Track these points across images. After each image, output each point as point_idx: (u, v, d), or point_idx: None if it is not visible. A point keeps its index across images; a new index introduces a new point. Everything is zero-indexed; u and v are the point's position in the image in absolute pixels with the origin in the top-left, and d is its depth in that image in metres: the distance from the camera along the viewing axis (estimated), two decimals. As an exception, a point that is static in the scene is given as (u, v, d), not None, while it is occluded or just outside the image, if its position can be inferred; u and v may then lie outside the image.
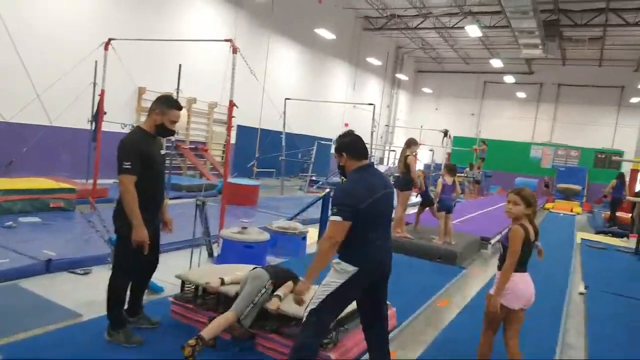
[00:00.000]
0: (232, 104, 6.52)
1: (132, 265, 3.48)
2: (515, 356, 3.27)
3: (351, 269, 2.83)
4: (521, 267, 3.19)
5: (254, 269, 3.94)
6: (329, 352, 3.31)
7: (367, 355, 3.53)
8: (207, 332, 3.36)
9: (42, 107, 9.48)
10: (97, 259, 5.13)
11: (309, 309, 2.89)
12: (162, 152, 3.63)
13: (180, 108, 3.50)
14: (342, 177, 3.13)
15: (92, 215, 6.87)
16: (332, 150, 3.36)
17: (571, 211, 18.52)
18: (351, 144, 3.00)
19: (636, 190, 12.71)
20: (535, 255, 3.36)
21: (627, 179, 17.25)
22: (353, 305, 3.70)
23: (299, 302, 3.00)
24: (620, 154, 22.70)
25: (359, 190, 2.86)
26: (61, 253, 5.12)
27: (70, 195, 7.43)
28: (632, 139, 22.52)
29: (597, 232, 12.83)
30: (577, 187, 21.82)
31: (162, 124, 3.43)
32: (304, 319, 2.90)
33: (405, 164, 7.67)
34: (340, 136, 3.07)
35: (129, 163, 3.23)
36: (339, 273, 2.86)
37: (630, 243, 10.32)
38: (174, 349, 3.39)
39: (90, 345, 3.35)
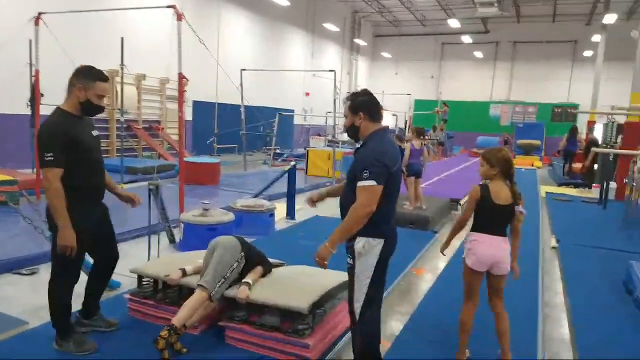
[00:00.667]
0: (181, 77, 6.01)
1: (73, 266, 3.00)
2: (501, 324, 3.11)
3: (376, 242, 2.63)
4: (484, 228, 3.03)
5: (223, 236, 3.59)
6: (307, 339, 3.05)
7: (345, 338, 3.33)
8: (179, 318, 3.04)
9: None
10: (44, 257, 4.64)
11: (357, 307, 2.67)
12: (94, 133, 3.06)
13: (106, 79, 2.98)
14: (356, 140, 2.83)
15: (37, 207, 6.31)
16: (343, 110, 2.99)
17: (532, 165, 18.91)
18: (370, 103, 2.75)
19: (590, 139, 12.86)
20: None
21: (584, 130, 17.70)
22: (330, 283, 3.46)
23: (323, 266, 2.69)
24: (576, 107, 23.24)
25: (390, 152, 2.65)
26: (3, 252, 4.63)
27: (12, 188, 6.80)
28: (587, 92, 22.94)
29: (560, 185, 13.08)
30: (537, 142, 22.28)
31: (87, 100, 2.88)
32: (357, 318, 2.68)
33: None
34: (355, 94, 2.81)
35: (51, 154, 2.73)
36: (368, 255, 2.63)
37: (594, 194, 10.50)
38: (133, 351, 3.07)
39: (38, 356, 2.96)
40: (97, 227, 3.13)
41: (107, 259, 3.30)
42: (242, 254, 3.40)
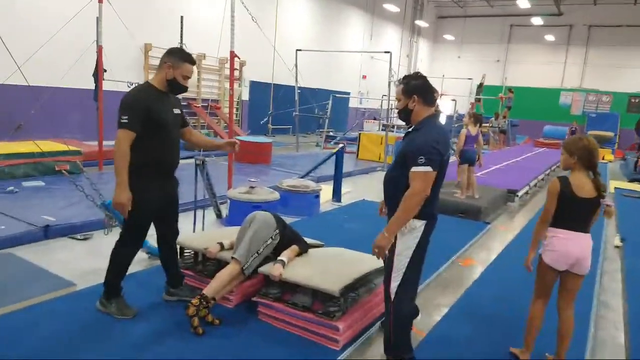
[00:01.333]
0: (232, 56, 6.06)
1: (137, 233, 3.19)
2: (565, 326, 2.88)
3: (420, 223, 2.67)
4: (566, 223, 2.79)
5: (259, 211, 3.60)
6: (338, 322, 3.00)
7: (375, 327, 3.25)
8: (210, 289, 3.12)
9: (43, 67, 9.16)
10: (98, 224, 4.87)
11: (393, 286, 2.70)
12: (176, 111, 3.19)
13: (193, 62, 3.16)
14: (407, 123, 2.84)
15: (94, 177, 6.64)
16: (395, 93, 2.96)
17: (603, 159, 17.69)
18: (425, 87, 2.74)
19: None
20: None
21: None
22: (366, 268, 3.39)
23: (381, 256, 2.69)
24: (656, 97, 21.43)
25: (443, 139, 2.67)
26: (61, 218, 4.91)
27: (76, 158, 7.20)
28: (669, 81, 21.15)
29: (631, 180, 12.16)
30: (609, 134, 20.83)
31: (173, 79, 3.06)
32: (392, 298, 2.71)
33: None
34: (409, 77, 2.79)
35: (126, 117, 2.90)
36: (409, 235, 2.67)
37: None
38: (172, 320, 3.15)
39: (80, 318, 3.11)
40: (165, 202, 3.25)
41: (166, 234, 3.43)
42: (277, 231, 3.40)
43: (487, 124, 17.46)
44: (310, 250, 3.62)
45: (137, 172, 2.97)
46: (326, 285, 3.05)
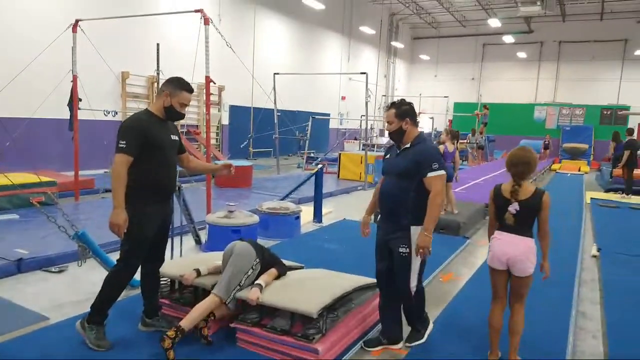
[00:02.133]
0: (208, 80, 6.09)
1: (137, 258, 3.18)
2: (512, 324, 3.02)
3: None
4: (501, 226, 3.04)
5: (238, 241, 3.57)
6: (317, 344, 2.97)
7: (356, 347, 3.24)
8: (187, 321, 3.07)
9: (18, 98, 9.08)
10: (73, 255, 4.76)
11: (413, 286, 3.17)
12: (174, 137, 3.25)
13: (191, 90, 3.24)
14: (399, 143, 3.24)
15: (70, 208, 6.54)
16: (387, 111, 3.30)
17: (579, 170, 18.08)
18: (413, 111, 3.24)
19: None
20: (557, 221, 3.10)
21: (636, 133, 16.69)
22: (345, 288, 3.39)
23: (427, 254, 3.09)
24: (626, 109, 22.06)
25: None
26: (35, 251, 4.80)
27: (51, 189, 7.07)
28: (638, 93, 21.87)
29: (607, 190, 12.41)
30: (584, 146, 21.32)
31: (170, 107, 3.16)
32: (413, 295, 3.20)
33: None
34: (399, 104, 3.23)
35: (124, 142, 2.96)
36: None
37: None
38: (148, 351, 3.08)
39: (52, 352, 3.02)
40: (161, 226, 3.27)
41: (154, 261, 3.38)
42: (257, 260, 3.38)
43: (465, 141, 17.75)
44: (289, 273, 3.60)
45: (136, 195, 3.03)
46: (304, 307, 3.03)
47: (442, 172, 3.03)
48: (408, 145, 3.16)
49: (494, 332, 3.09)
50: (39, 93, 9.53)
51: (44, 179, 7.14)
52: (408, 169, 3.08)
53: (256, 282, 3.27)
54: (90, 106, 8.99)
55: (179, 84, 3.17)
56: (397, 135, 3.19)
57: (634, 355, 3.35)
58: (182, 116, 3.24)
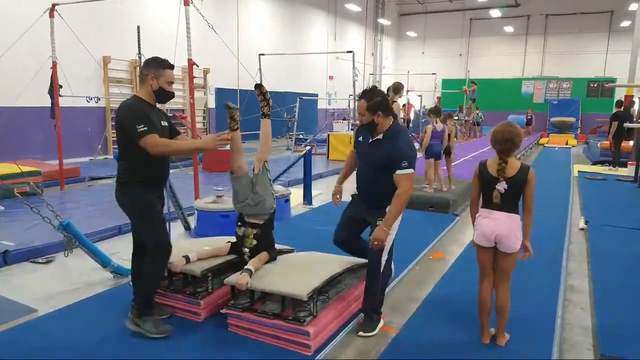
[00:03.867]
0: (190, 63, 5.98)
1: (165, 237, 3.15)
2: (499, 302, 3.03)
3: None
4: (486, 203, 3.01)
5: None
6: (308, 327, 2.97)
7: (347, 328, 3.26)
8: (254, 264, 3.24)
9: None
10: (60, 245, 4.69)
11: (384, 258, 3.22)
12: (164, 123, 3.14)
13: (172, 67, 3.13)
14: (372, 135, 3.23)
15: (56, 197, 6.45)
16: (358, 101, 3.23)
17: (566, 144, 18.21)
18: (385, 102, 3.16)
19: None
20: (545, 195, 3.09)
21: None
22: (335, 269, 3.38)
23: (376, 247, 3.15)
24: (613, 81, 22.12)
25: (412, 142, 3.28)
26: (21, 242, 4.74)
27: (36, 179, 6.96)
28: (624, 65, 21.85)
29: (594, 163, 12.53)
30: (571, 119, 21.44)
31: (159, 88, 3.05)
32: (382, 270, 3.22)
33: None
34: (369, 94, 3.15)
35: (143, 125, 2.88)
36: (395, 224, 3.19)
37: (630, 172, 9.99)
38: (142, 340, 3.06)
39: (41, 345, 2.99)
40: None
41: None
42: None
43: (455, 117, 17.70)
44: (279, 257, 3.58)
45: (135, 184, 3.03)
46: (294, 290, 3.02)
47: (411, 170, 3.07)
48: (380, 137, 3.18)
49: (484, 310, 3.08)
50: (19, 81, 9.32)
51: (27, 169, 7.01)
52: (383, 163, 3.12)
53: (245, 267, 3.25)
54: (71, 93, 8.81)
55: (159, 64, 3.06)
56: (370, 127, 3.19)
57: (621, 326, 3.40)
58: (172, 95, 3.15)
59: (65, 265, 4.41)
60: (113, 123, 12.06)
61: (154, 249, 3.08)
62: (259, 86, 3.43)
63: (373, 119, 3.13)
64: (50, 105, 7.76)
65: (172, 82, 3.14)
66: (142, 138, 2.87)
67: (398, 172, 3.06)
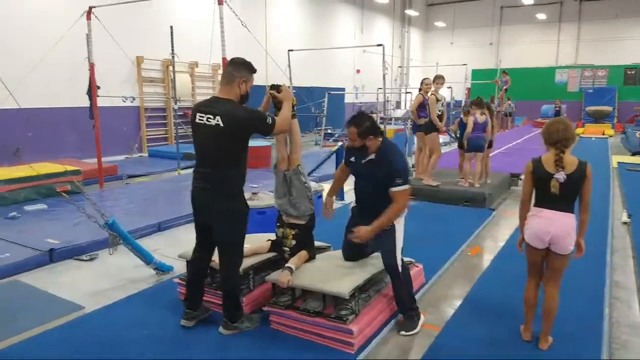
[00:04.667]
0: (225, 62, 5.99)
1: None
2: (547, 303, 2.94)
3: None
4: (542, 202, 2.90)
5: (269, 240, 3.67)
6: (351, 325, 2.97)
7: (388, 326, 3.25)
8: (295, 262, 3.29)
9: (36, 89, 9.15)
10: (103, 243, 4.84)
11: (399, 258, 3.22)
12: None
13: (256, 71, 3.13)
14: (365, 156, 3.28)
15: (95, 196, 6.62)
16: (348, 128, 3.24)
17: (603, 134, 17.63)
18: (374, 125, 3.22)
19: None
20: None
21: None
22: (375, 268, 3.37)
23: (355, 238, 3.19)
24: (652, 67, 21.25)
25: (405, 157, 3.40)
26: (65, 240, 4.88)
27: (77, 177, 7.16)
28: (664, 50, 21.03)
29: (634, 154, 12.09)
30: (608, 109, 20.72)
31: (246, 93, 3.02)
32: (400, 268, 3.22)
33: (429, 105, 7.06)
34: (358, 121, 3.18)
35: (266, 116, 2.99)
36: (401, 220, 3.28)
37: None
38: (188, 336, 3.13)
39: (91, 341, 3.09)
40: None
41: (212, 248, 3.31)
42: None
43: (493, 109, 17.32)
44: (318, 255, 3.59)
45: (241, 187, 3.06)
46: (335, 288, 3.02)
47: (406, 187, 3.14)
48: (373, 157, 3.25)
49: (529, 308, 3.04)
50: (56, 83, 9.61)
51: (69, 168, 7.22)
52: (380, 180, 3.18)
53: (286, 265, 3.27)
54: (107, 93, 9.02)
55: (250, 69, 3.02)
56: (360, 150, 3.26)
57: (674, 325, 3.28)
58: (248, 100, 3.10)
59: (108, 262, 4.52)
60: (147, 122, 12.35)
61: (240, 254, 3.15)
62: (276, 87, 3.34)
63: (364, 143, 3.19)
64: (89, 105, 7.95)
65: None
66: (275, 126, 2.95)
67: (393, 189, 3.12)
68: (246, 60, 3.05)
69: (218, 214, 3.00)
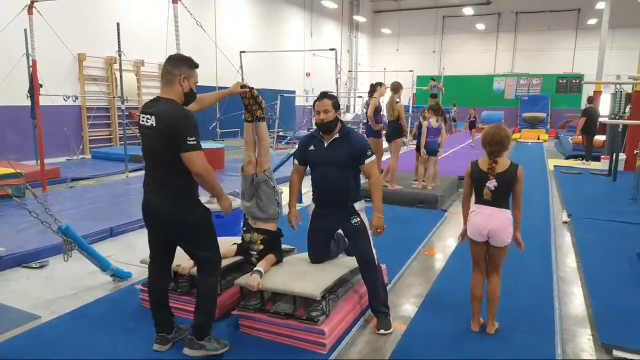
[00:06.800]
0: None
1: (220, 259, 3.01)
2: (490, 291, 3.23)
3: (363, 201, 3.43)
4: (479, 199, 3.19)
5: (234, 244, 3.62)
6: (322, 326, 3.00)
7: (355, 327, 3.33)
8: (263, 266, 3.27)
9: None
10: (53, 249, 4.62)
11: (375, 252, 3.33)
12: None
13: (198, 66, 2.90)
14: (328, 132, 3.31)
15: (43, 200, 6.25)
16: (320, 101, 3.31)
17: (538, 139, 18.72)
18: (338, 102, 3.37)
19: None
20: (525, 190, 3.26)
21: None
22: (342, 269, 3.43)
23: (379, 234, 3.33)
24: (580, 77, 22.87)
25: None
26: (12, 246, 4.60)
27: (18, 181, 6.75)
28: (591, 62, 22.63)
29: (567, 157, 12.95)
30: (542, 115, 22.04)
31: (190, 90, 2.81)
32: (376, 260, 3.34)
33: (395, 111, 7.24)
34: (328, 95, 3.33)
35: (193, 138, 2.63)
36: (362, 212, 3.38)
37: (603, 165, 10.38)
38: (148, 343, 3.04)
39: (52, 351, 2.94)
40: None
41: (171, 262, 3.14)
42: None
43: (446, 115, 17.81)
44: (284, 259, 3.61)
45: (193, 190, 2.84)
46: (306, 290, 3.05)
47: (374, 157, 3.31)
48: (337, 136, 3.28)
49: (475, 300, 3.29)
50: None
51: (10, 170, 6.76)
52: (347, 160, 3.24)
53: (255, 268, 3.26)
54: (47, 91, 8.57)
55: (190, 64, 2.81)
56: (331, 124, 3.25)
57: (616, 315, 3.56)
58: (195, 98, 2.93)
59: (59, 269, 4.31)
60: (90, 122, 11.81)
61: (215, 269, 2.95)
62: (248, 88, 3.32)
63: (337, 115, 3.28)
64: (30, 104, 7.51)
65: (196, 84, 2.89)
66: (189, 151, 2.62)
67: (367, 161, 3.25)
68: (184, 55, 2.87)
69: (179, 227, 2.78)
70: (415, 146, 7.87)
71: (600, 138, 12.12)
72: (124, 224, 5.64)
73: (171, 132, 2.63)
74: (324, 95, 3.31)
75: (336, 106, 3.28)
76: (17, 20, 7.14)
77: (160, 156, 2.76)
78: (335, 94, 3.43)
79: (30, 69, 7.43)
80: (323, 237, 3.48)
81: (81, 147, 11.31)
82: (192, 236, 2.85)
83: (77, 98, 10.78)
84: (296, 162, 3.54)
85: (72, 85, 11.28)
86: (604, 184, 8.98)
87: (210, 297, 2.93)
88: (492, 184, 3.06)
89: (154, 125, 2.70)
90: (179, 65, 2.78)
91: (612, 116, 10.90)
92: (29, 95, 7.98)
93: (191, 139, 2.62)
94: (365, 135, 8.26)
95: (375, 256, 3.33)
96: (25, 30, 8.10)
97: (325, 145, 3.31)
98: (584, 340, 3.29)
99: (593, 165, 11.08)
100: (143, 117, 2.77)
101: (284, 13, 20.49)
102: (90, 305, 3.61)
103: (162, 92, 2.80)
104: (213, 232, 2.95)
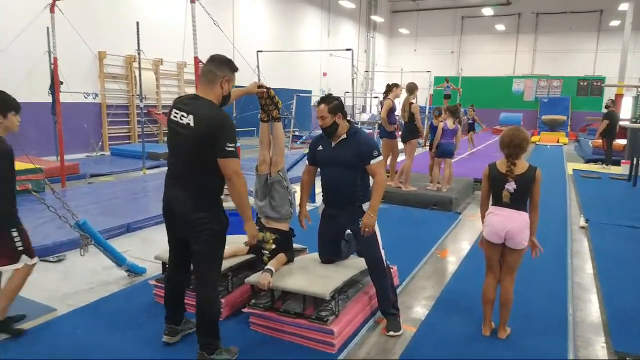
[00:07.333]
0: (197, 61, 5.96)
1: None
2: (503, 295, 3.19)
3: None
4: (497, 201, 3.16)
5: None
6: (332, 326, 3.01)
7: (365, 327, 3.33)
8: (274, 264, 3.29)
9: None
10: (70, 243, 4.72)
11: (383, 252, 3.34)
12: None
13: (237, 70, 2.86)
14: (331, 137, 3.34)
15: (61, 195, 6.38)
16: (318, 107, 3.33)
17: (557, 142, 18.42)
18: (342, 105, 3.31)
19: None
20: (543, 193, 3.21)
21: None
22: (352, 270, 3.44)
23: (368, 233, 3.24)
24: (602, 80, 22.44)
25: None
26: (31, 240, 4.68)
27: (38, 176, 6.88)
28: (613, 64, 22.20)
29: (587, 161, 12.73)
30: (562, 117, 21.68)
31: (228, 94, 2.78)
32: (384, 262, 3.34)
33: (410, 112, 7.21)
34: (327, 99, 3.29)
35: (233, 145, 2.58)
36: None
37: (623, 170, 10.18)
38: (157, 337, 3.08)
39: (66, 343, 3.01)
40: None
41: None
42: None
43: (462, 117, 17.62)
44: (295, 258, 3.63)
45: (219, 204, 2.79)
46: (316, 289, 3.07)
47: (381, 157, 3.31)
48: (345, 137, 3.32)
49: (487, 303, 3.24)
50: (13, 77, 9.20)
51: (31, 165, 6.90)
52: (353, 160, 3.26)
53: (266, 267, 3.29)
54: (68, 88, 8.73)
55: (232, 67, 2.77)
56: (332, 129, 3.29)
57: (632, 322, 3.49)
58: (229, 101, 2.87)
59: (76, 264, 4.40)
60: (109, 119, 11.99)
61: (215, 285, 2.90)
62: (265, 88, 3.34)
63: (335, 119, 3.26)
64: (51, 101, 7.66)
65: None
66: (228, 157, 2.58)
67: (373, 162, 3.25)
68: (227, 58, 2.79)
69: (192, 225, 2.70)
70: (428, 147, 7.82)
71: (620, 142, 11.88)
72: (141, 220, 5.73)
73: (211, 136, 2.57)
74: (321, 100, 3.30)
75: (334, 110, 3.23)
76: (39, 19, 7.29)
77: (192, 155, 2.66)
78: (337, 96, 3.36)
79: (52, 66, 7.56)
80: (332, 237, 3.49)
81: (100, 143, 11.49)
82: (202, 241, 2.72)
83: (97, 95, 10.96)
84: (307, 162, 3.56)
85: (92, 82, 11.47)
86: (624, 189, 8.80)
87: (210, 310, 2.81)
88: (511, 186, 3.03)
89: (191, 125, 2.62)
90: (222, 67, 2.74)
91: (634, 120, 10.68)
92: (50, 92, 8.13)
93: (230, 145, 2.58)
94: (379, 136, 8.31)
95: (384, 258, 3.32)
96: (47, 28, 8.24)
97: (333, 145, 3.34)
98: (598, 348, 3.24)
99: (613, 169, 10.87)
100: (177, 114, 2.68)
101: (302, 13, 20.53)
102: (105, 300, 3.68)
103: (201, 92, 2.74)
104: (223, 243, 2.84)
